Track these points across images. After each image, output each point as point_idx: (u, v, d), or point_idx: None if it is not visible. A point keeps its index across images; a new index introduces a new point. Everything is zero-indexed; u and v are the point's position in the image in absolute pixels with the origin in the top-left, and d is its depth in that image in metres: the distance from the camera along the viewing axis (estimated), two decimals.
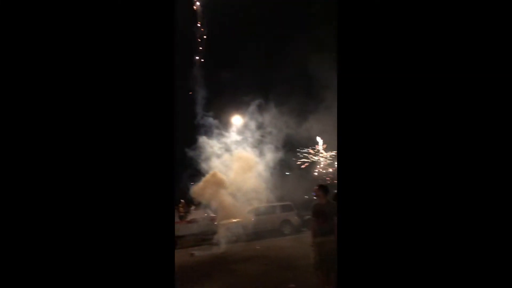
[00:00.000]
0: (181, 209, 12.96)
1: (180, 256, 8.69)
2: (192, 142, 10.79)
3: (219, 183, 10.29)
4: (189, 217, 12.60)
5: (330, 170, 19.85)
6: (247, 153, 10.82)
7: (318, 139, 20.11)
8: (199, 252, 9.06)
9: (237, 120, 12.48)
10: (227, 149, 11.01)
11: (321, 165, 20.55)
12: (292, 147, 15.81)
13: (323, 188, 3.97)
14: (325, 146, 20.40)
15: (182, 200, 13.22)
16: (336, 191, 2.99)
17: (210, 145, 10.75)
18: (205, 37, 12.02)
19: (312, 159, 20.84)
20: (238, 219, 10.91)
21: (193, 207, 12.96)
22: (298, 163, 19.98)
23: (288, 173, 12.46)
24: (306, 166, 20.24)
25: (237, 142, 11.22)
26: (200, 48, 12.36)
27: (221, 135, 11.20)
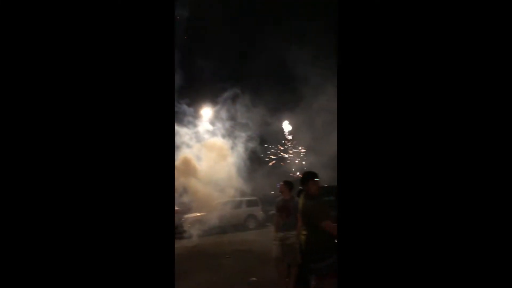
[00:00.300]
0: None
1: None
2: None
3: (190, 171, 10.06)
4: None
5: (298, 166, 20.03)
6: (220, 143, 10.67)
7: (287, 132, 19.96)
8: None
9: (207, 110, 12.32)
10: (198, 139, 10.85)
11: (290, 161, 20.69)
12: (263, 141, 15.87)
13: (288, 184, 4.09)
14: (291, 142, 20.26)
15: None
16: (300, 187, 3.10)
17: (180, 134, 10.53)
18: (178, 18, 11.54)
19: (281, 155, 20.88)
20: (203, 213, 10.88)
21: None
22: (267, 159, 20.06)
23: (256, 168, 12.57)
24: (273, 163, 20.28)
25: (208, 132, 11.09)
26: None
27: (193, 124, 11.01)
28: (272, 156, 20.49)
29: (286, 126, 18.70)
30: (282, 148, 20.61)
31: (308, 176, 2.70)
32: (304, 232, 2.73)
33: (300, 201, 2.78)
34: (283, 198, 4.01)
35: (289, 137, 20.28)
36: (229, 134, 10.86)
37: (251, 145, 11.24)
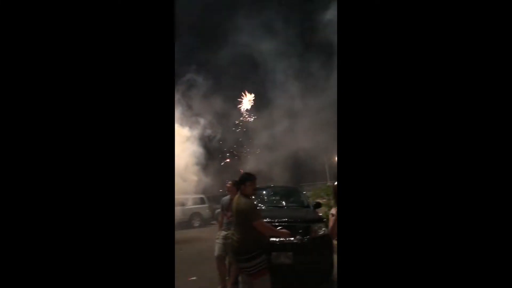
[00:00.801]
0: None
1: None
2: None
3: None
4: None
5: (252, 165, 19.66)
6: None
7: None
8: None
9: None
10: None
11: (242, 160, 20.25)
12: (219, 136, 15.56)
13: (235, 183, 4.11)
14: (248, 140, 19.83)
15: None
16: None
17: None
18: None
19: (235, 153, 20.31)
20: None
21: None
22: (220, 155, 19.51)
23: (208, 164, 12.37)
24: (226, 162, 19.77)
25: None
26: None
27: None
28: (226, 154, 19.88)
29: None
30: (235, 146, 20.13)
31: (246, 177, 2.83)
32: (234, 232, 2.78)
33: (235, 200, 2.83)
34: (230, 197, 4.02)
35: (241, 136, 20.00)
36: (181, 123, 10.50)
37: (203, 141, 11.05)
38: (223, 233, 3.85)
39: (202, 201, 12.03)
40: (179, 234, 9.53)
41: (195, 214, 11.65)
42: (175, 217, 10.81)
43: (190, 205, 11.67)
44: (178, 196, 10.97)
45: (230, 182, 4.17)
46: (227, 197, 4.05)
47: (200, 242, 7.71)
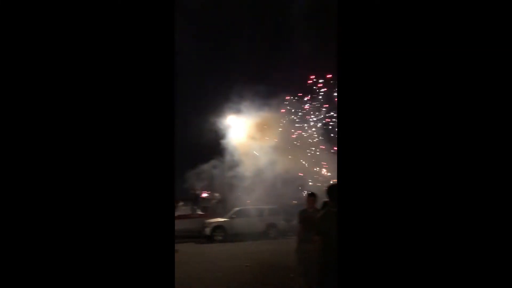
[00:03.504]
0: None
1: None
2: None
3: None
4: (176, 213, 12.53)
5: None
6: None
7: None
8: (183, 249, 9.00)
9: None
10: None
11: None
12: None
13: (313, 195, 3.99)
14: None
15: None
16: (324, 200, 3.00)
17: None
18: None
19: None
20: (225, 219, 10.88)
21: (181, 203, 12.90)
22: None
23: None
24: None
25: None
26: None
27: None
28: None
29: None
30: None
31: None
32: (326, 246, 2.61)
33: (324, 214, 2.67)
34: (307, 209, 3.90)
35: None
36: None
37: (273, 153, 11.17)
38: (303, 246, 3.74)
39: (276, 212, 12.02)
40: (254, 245, 9.64)
41: (271, 225, 11.69)
42: (251, 228, 11.08)
43: (265, 216, 11.77)
44: (252, 206, 11.21)
45: (307, 194, 4.07)
46: (306, 209, 3.94)
47: (276, 254, 7.65)
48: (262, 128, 11.54)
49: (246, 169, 11.09)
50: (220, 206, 12.94)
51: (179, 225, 11.70)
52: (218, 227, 10.81)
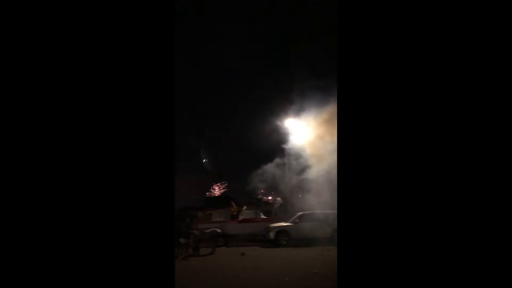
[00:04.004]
0: (232, 209, 13.28)
1: (230, 254, 8.87)
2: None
3: None
4: (241, 217, 12.83)
5: None
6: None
7: None
8: (248, 252, 9.14)
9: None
10: None
11: None
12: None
13: None
14: None
15: (232, 202, 13.57)
16: None
17: None
18: None
19: None
20: (289, 223, 10.79)
21: (245, 207, 13.18)
22: None
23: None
24: None
25: None
26: None
27: None
28: None
29: None
30: None
31: None
32: None
33: None
34: None
35: None
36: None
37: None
38: None
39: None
40: (321, 251, 9.35)
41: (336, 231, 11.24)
42: (317, 233, 10.78)
43: (331, 221, 11.37)
44: (318, 211, 10.90)
45: None
46: None
47: None
48: (331, 123, 10.93)
49: (312, 171, 10.84)
50: (283, 210, 12.88)
51: (243, 229, 11.97)
52: (282, 231, 10.75)
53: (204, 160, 22.22)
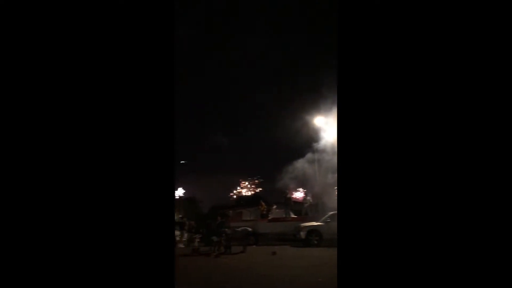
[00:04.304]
0: (262, 208, 13.32)
1: (261, 253, 8.90)
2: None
3: None
4: (271, 216, 12.83)
5: None
6: None
7: None
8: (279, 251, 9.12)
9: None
10: None
11: None
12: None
13: None
14: None
15: (261, 201, 13.62)
16: None
17: None
18: None
19: None
20: (320, 223, 10.64)
21: (274, 207, 13.17)
22: None
23: None
24: None
25: None
26: None
27: None
28: None
29: None
30: None
31: None
32: None
33: None
34: None
35: None
36: None
37: None
38: None
39: None
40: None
41: None
42: None
43: None
44: None
45: None
46: None
47: None
48: None
49: None
50: (313, 209, 12.72)
51: (273, 228, 11.96)
52: (313, 231, 10.62)
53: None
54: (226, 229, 9.69)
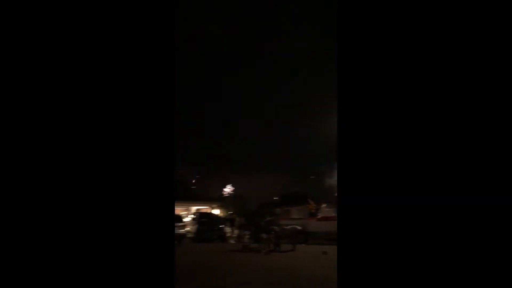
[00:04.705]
0: (310, 206, 13.16)
1: (311, 252, 8.80)
2: None
3: None
4: (320, 215, 12.63)
5: None
6: None
7: None
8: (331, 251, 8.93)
9: None
10: None
11: None
12: None
13: None
14: None
15: (309, 199, 13.43)
16: None
17: None
18: None
19: None
20: None
21: (324, 205, 12.93)
22: None
23: None
24: None
25: None
26: None
27: None
28: None
29: None
30: None
31: None
32: None
33: None
34: None
35: None
36: None
37: None
38: None
39: None
40: None
41: None
42: None
43: None
44: None
45: None
46: None
47: None
48: None
49: None
50: None
51: (322, 227, 11.75)
52: None
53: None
54: (275, 227, 9.74)
